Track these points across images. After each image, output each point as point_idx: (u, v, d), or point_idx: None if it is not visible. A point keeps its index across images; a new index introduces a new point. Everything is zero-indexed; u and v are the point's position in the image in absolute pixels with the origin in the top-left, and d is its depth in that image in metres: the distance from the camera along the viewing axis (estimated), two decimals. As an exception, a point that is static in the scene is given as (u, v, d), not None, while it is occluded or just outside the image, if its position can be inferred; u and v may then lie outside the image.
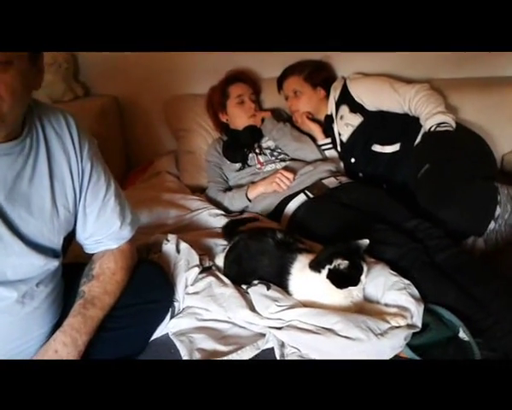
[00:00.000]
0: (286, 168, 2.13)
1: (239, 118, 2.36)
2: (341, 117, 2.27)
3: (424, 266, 1.50)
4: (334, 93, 2.32)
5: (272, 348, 1.29)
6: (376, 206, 1.82)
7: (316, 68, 2.41)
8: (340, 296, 1.34)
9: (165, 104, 2.63)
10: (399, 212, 1.76)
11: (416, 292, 1.36)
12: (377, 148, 2.14)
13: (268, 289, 1.41)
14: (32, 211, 1.10)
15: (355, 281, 1.33)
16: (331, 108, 2.32)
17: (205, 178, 2.39)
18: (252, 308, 1.39)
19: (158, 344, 1.37)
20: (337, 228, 1.70)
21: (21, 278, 1.12)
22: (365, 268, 1.34)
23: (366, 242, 1.37)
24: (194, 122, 2.53)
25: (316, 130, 2.36)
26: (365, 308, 1.35)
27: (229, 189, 2.26)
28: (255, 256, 1.52)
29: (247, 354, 1.29)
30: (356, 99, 2.23)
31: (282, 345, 1.29)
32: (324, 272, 1.33)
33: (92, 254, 1.32)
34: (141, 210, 1.88)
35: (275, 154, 2.28)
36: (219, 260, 1.64)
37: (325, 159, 2.30)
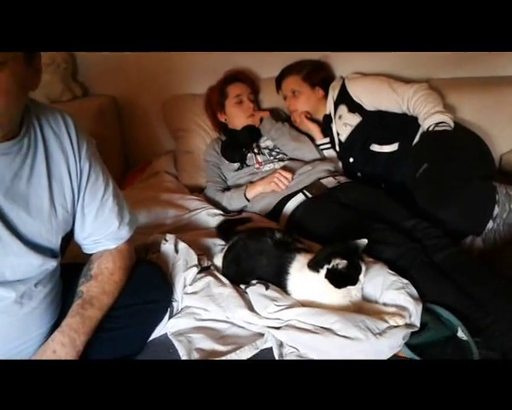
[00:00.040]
0: (284, 168, 2.13)
1: (237, 118, 2.36)
2: (340, 117, 2.27)
3: (423, 265, 1.50)
4: (333, 93, 2.32)
5: (271, 348, 1.29)
6: (375, 205, 1.82)
7: (314, 68, 2.42)
8: (339, 296, 1.34)
9: (164, 104, 2.63)
10: (398, 211, 1.76)
11: (414, 291, 1.36)
12: (375, 147, 2.14)
13: (266, 288, 1.41)
14: (31, 211, 1.10)
15: (353, 280, 1.33)
16: (329, 107, 2.32)
17: (203, 177, 2.39)
18: (250, 308, 1.39)
19: (156, 344, 1.37)
20: (335, 228, 1.70)
21: (20, 278, 1.12)
22: (364, 268, 1.34)
23: (364, 241, 1.37)
24: (192, 122, 2.53)
25: (314, 129, 2.36)
26: (364, 308, 1.35)
27: (228, 189, 2.26)
28: (254, 256, 1.52)
29: (245, 353, 1.29)
30: (354, 99, 2.23)
31: (281, 345, 1.29)
32: (323, 271, 1.34)
33: (90, 255, 1.31)
34: (139, 210, 1.88)
35: (273, 153, 2.28)
36: (218, 260, 1.64)
37: (324, 159, 2.31)
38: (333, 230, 1.70)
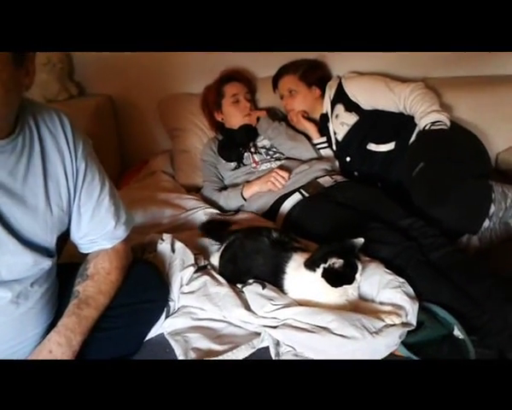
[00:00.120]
0: (281, 167, 2.13)
1: (234, 117, 2.36)
2: (337, 116, 2.27)
3: (419, 264, 1.50)
4: (330, 92, 2.32)
5: (267, 347, 1.29)
6: (371, 204, 1.82)
7: (311, 67, 2.42)
8: (335, 295, 1.34)
9: (160, 103, 2.62)
10: (394, 210, 1.76)
11: (410, 290, 1.37)
12: (372, 147, 2.14)
13: (263, 288, 1.41)
14: (26, 209, 1.10)
15: (350, 279, 1.33)
16: (326, 106, 2.32)
17: (200, 177, 2.39)
18: (247, 307, 1.38)
19: (153, 344, 1.37)
20: (332, 227, 1.70)
21: (16, 277, 1.11)
22: (360, 267, 1.34)
23: (361, 240, 1.38)
24: (189, 121, 2.53)
25: (311, 129, 2.36)
26: (360, 307, 1.35)
27: (225, 188, 2.26)
28: (250, 255, 1.52)
29: (242, 353, 1.29)
30: (351, 98, 2.23)
31: (278, 344, 1.29)
32: (319, 270, 1.34)
33: (87, 254, 1.31)
34: (136, 210, 1.88)
35: (270, 153, 2.28)
36: (214, 260, 1.64)
37: (320, 158, 2.31)
38: (329, 229, 1.70)
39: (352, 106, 2.23)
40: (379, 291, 1.38)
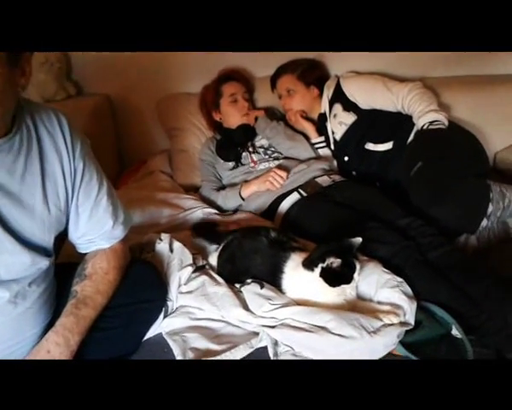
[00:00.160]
0: (279, 167, 2.13)
1: (232, 117, 2.36)
2: (335, 115, 2.27)
3: (417, 263, 1.50)
4: (328, 91, 2.32)
5: (266, 347, 1.29)
6: (369, 204, 1.82)
7: (309, 67, 2.41)
8: (333, 294, 1.34)
9: (159, 103, 2.62)
10: (392, 210, 1.77)
11: (408, 290, 1.37)
12: (370, 146, 2.14)
13: (261, 287, 1.41)
14: (24, 209, 1.10)
15: (348, 279, 1.33)
16: (324, 106, 2.32)
17: (198, 177, 2.39)
18: (245, 307, 1.38)
19: (151, 344, 1.37)
20: (330, 226, 1.70)
21: (14, 277, 1.11)
22: (358, 266, 1.34)
23: (359, 240, 1.38)
24: (187, 121, 2.53)
25: (309, 128, 2.36)
26: (358, 306, 1.35)
27: (223, 188, 2.26)
28: (248, 255, 1.52)
29: (240, 352, 1.29)
30: (349, 97, 2.23)
31: (276, 343, 1.29)
32: (317, 270, 1.34)
33: (85, 254, 1.31)
34: (134, 209, 1.88)
35: (268, 152, 2.28)
36: (213, 259, 1.64)
37: (318, 157, 2.31)
38: (327, 228, 1.70)
39: (350, 105, 2.23)
40: (377, 291, 1.38)
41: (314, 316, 1.28)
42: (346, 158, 2.23)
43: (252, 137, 2.34)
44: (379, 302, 1.36)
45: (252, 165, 2.24)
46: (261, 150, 2.29)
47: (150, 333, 1.38)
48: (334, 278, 1.33)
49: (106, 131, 2.59)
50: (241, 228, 1.73)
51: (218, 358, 1.27)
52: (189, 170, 2.45)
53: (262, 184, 2.07)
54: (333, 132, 2.28)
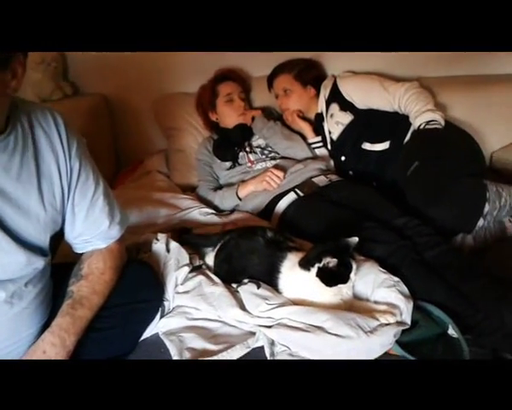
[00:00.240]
0: (276, 167, 2.14)
1: (228, 117, 2.36)
2: (331, 115, 2.27)
3: (413, 263, 1.50)
4: (325, 91, 2.32)
5: (262, 347, 1.29)
6: (366, 204, 1.82)
7: (306, 67, 2.42)
8: (330, 294, 1.34)
9: (156, 103, 2.62)
10: (389, 209, 1.77)
11: (405, 289, 1.37)
12: (367, 146, 2.14)
13: (258, 287, 1.41)
14: (19, 208, 1.09)
15: (344, 279, 1.33)
16: (321, 106, 2.33)
17: (195, 176, 2.39)
18: (242, 307, 1.38)
19: (148, 344, 1.37)
20: (327, 226, 1.70)
21: (10, 277, 1.11)
22: (354, 266, 1.34)
23: (355, 240, 1.38)
24: (184, 121, 2.53)
25: (306, 128, 2.36)
26: (355, 306, 1.35)
27: (220, 187, 2.26)
28: (245, 255, 1.52)
29: (237, 352, 1.29)
30: (346, 97, 2.23)
31: (272, 343, 1.29)
32: (314, 270, 1.34)
33: (81, 254, 1.31)
34: (131, 209, 1.87)
35: (265, 152, 2.28)
36: (209, 259, 1.64)
37: (315, 157, 2.31)
38: (324, 228, 1.70)
39: (346, 105, 2.23)
40: (373, 290, 1.38)
41: (311, 316, 1.28)
42: (342, 158, 2.23)
43: (249, 137, 2.34)
44: (375, 302, 1.36)
45: (249, 165, 2.24)
46: (258, 150, 2.29)
47: (147, 333, 1.38)
48: (331, 277, 1.33)
49: (102, 131, 2.58)
50: (237, 228, 1.73)
51: (215, 358, 1.27)
52: (185, 170, 2.45)
53: (259, 184, 2.07)
54: (330, 132, 2.28)
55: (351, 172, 2.21)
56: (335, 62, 2.50)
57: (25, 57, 1.04)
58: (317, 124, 2.35)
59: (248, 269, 1.49)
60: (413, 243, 1.57)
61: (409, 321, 1.30)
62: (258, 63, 2.52)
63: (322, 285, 1.33)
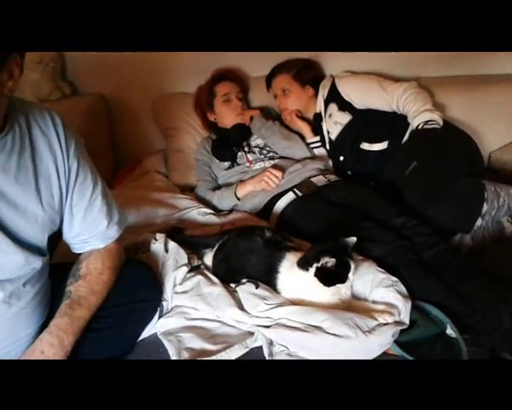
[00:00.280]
0: (275, 166, 2.13)
1: (226, 117, 2.36)
2: (330, 115, 2.27)
3: (412, 263, 1.50)
4: (323, 91, 2.32)
5: (261, 347, 1.29)
6: (364, 204, 1.82)
7: (304, 67, 2.42)
8: (328, 294, 1.34)
9: (154, 103, 2.62)
10: (387, 209, 1.77)
11: (403, 289, 1.37)
12: (365, 146, 2.14)
13: (256, 287, 1.41)
14: (17, 208, 1.09)
15: (343, 279, 1.33)
16: (320, 106, 2.33)
17: (194, 176, 2.39)
18: (240, 307, 1.38)
19: (146, 344, 1.37)
20: (325, 226, 1.70)
21: (8, 277, 1.11)
22: (353, 266, 1.34)
23: (354, 239, 1.38)
24: (182, 121, 2.53)
25: (304, 128, 2.36)
26: (353, 306, 1.35)
27: (219, 187, 2.26)
28: (244, 255, 1.51)
29: (235, 352, 1.29)
30: (344, 97, 2.23)
31: (271, 343, 1.29)
32: (312, 270, 1.34)
33: (79, 254, 1.31)
34: (129, 209, 1.88)
35: (264, 152, 2.28)
36: (208, 259, 1.63)
37: (314, 157, 2.31)
38: (322, 228, 1.70)
39: (345, 105, 2.23)
40: (372, 290, 1.38)
41: (309, 316, 1.28)
42: (341, 158, 2.24)
43: (247, 137, 2.34)
44: (374, 302, 1.36)
45: (247, 164, 2.24)
46: (256, 150, 2.29)
47: (145, 333, 1.38)
48: (329, 277, 1.33)
49: (101, 131, 2.59)
50: (236, 228, 1.73)
51: (214, 358, 1.27)
52: (184, 170, 2.45)
53: (257, 184, 2.07)
54: (328, 132, 2.28)
55: (349, 172, 2.21)
56: (334, 62, 2.49)
57: (22, 58, 1.03)
58: (316, 124, 2.35)
59: (247, 269, 1.49)
60: (411, 243, 1.57)
61: (407, 321, 1.30)
62: (257, 63, 2.52)
63: (321, 285, 1.33)
